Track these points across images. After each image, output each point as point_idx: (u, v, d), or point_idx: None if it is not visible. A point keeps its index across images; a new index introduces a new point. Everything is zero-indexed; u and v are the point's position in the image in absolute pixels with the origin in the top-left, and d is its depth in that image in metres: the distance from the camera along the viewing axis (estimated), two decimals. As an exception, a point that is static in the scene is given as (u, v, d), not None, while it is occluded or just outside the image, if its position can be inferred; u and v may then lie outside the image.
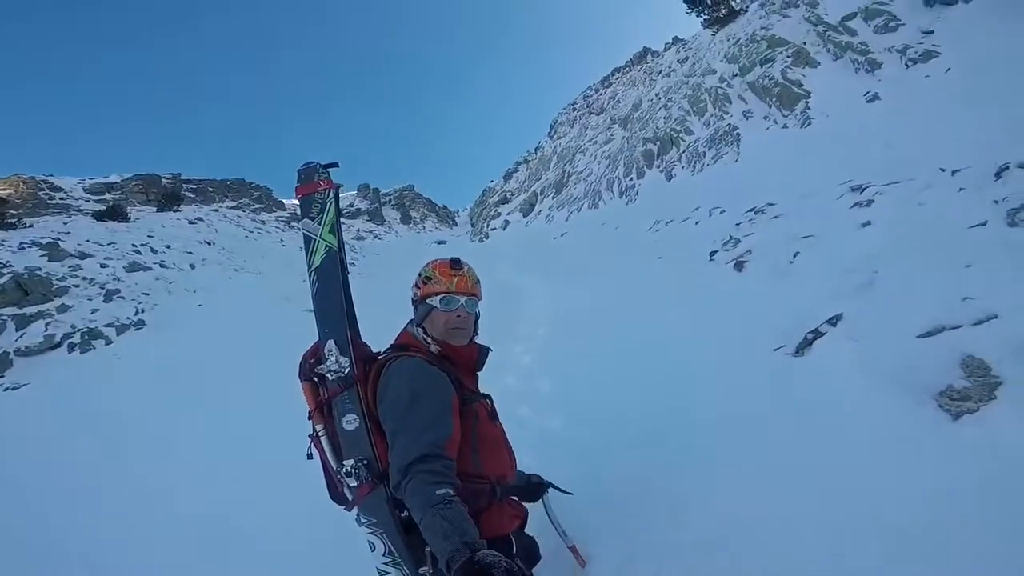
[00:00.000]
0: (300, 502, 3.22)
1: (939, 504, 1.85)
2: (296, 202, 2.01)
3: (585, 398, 3.98)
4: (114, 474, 4.29)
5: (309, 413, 1.71)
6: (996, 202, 3.42)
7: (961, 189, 3.94)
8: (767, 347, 3.45)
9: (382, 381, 1.62)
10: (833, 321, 3.27)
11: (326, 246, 1.86)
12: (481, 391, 1.88)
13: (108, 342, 7.70)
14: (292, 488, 3.43)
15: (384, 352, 1.81)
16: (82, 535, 3.59)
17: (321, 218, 1.88)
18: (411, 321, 1.88)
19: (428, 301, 1.79)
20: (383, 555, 1.57)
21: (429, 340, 1.78)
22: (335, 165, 1.98)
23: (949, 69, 7.99)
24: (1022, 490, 1.78)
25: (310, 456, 1.76)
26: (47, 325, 7.58)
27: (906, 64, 9.15)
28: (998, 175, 3.75)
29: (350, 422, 1.62)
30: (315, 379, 1.71)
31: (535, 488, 2.19)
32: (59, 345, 7.34)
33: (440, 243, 26.00)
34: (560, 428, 3.72)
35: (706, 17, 18.97)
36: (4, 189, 17.23)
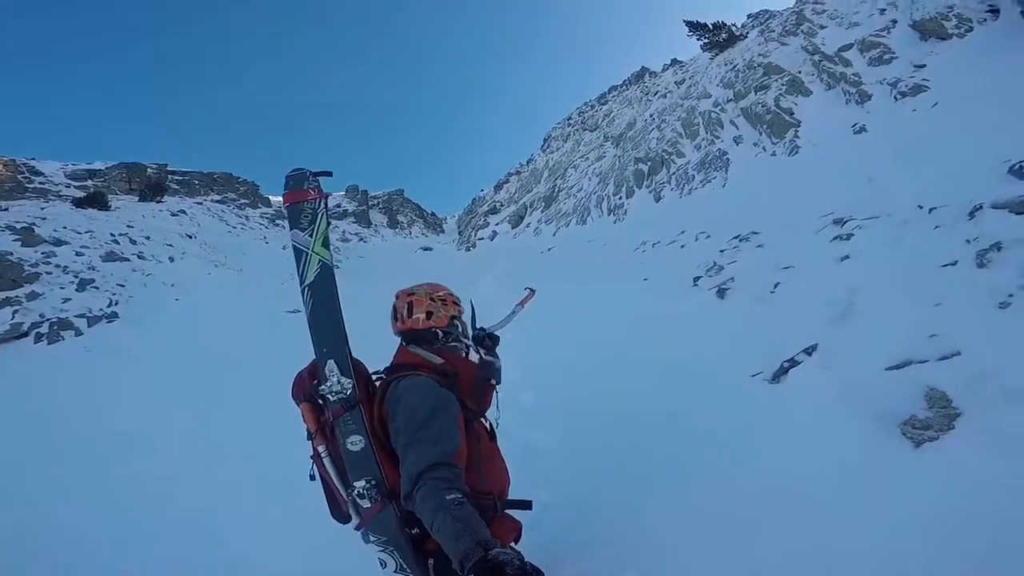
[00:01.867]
0: (273, 508, 3.20)
1: (899, 523, 1.99)
2: (283, 199, 1.96)
3: (567, 413, 4.04)
4: (73, 470, 4.17)
5: (309, 434, 1.70)
6: (968, 242, 3.55)
7: (936, 227, 4.07)
8: (745, 373, 3.55)
9: (392, 399, 1.62)
10: (809, 351, 3.39)
11: (319, 260, 1.80)
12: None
13: (78, 333, 7.44)
14: (265, 495, 3.40)
15: (383, 371, 1.83)
16: (34, 537, 3.46)
17: (313, 230, 1.81)
18: (415, 344, 1.86)
19: (464, 318, 2.01)
20: (394, 571, 1.59)
21: (471, 345, 1.93)
22: (328, 174, 1.91)
23: (936, 104, 8.21)
24: (975, 511, 1.93)
25: (312, 477, 1.75)
26: (14, 313, 7.27)
27: (895, 97, 9.40)
28: (972, 215, 3.87)
29: (355, 443, 1.61)
30: (316, 400, 1.69)
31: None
32: (26, 335, 7.05)
33: (426, 250, 25.83)
34: (542, 440, 3.76)
35: (706, 41, 19.34)
36: (-18, 171, 16.69)
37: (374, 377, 1.83)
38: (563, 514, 2.78)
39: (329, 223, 1.90)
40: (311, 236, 1.81)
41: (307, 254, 1.80)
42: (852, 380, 2.90)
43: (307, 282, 1.79)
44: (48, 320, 7.48)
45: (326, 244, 1.83)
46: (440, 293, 1.94)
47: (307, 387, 1.71)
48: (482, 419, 1.85)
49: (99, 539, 3.37)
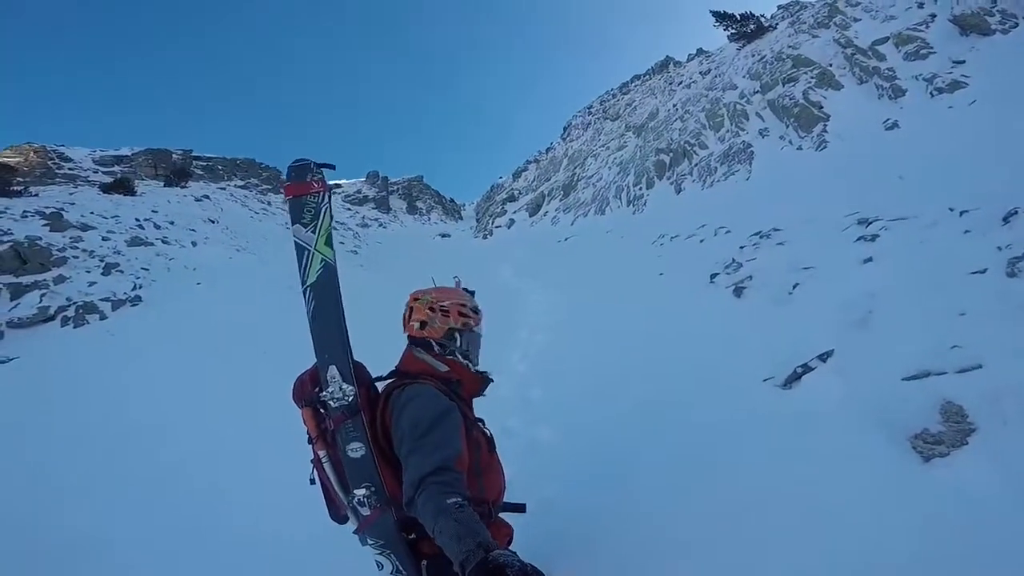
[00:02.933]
0: (291, 493, 3.25)
1: (899, 538, 1.96)
2: (284, 192, 1.88)
3: (574, 410, 4.02)
4: (98, 457, 4.26)
5: (310, 438, 1.69)
6: (999, 248, 3.40)
7: (967, 231, 3.90)
8: (757, 378, 3.47)
9: (396, 406, 1.61)
10: (824, 357, 3.29)
11: (322, 260, 1.73)
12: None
13: (103, 317, 7.61)
14: (283, 479, 3.45)
15: (387, 377, 1.82)
16: (67, 517, 3.57)
17: (316, 226, 1.73)
18: (421, 348, 1.83)
19: (476, 329, 1.94)
20: (391, 573, 1.61)
21: (467, 363, 1.85)
22: (331, 167, 1.84)
23: (974, 101, 7.87)
24: (977, 531, 1.88)
25: (312, 481, 1.76)
26: (42, 296, 7.43)
27: (931, 93, 9.05)
28: (1006, 220, 3.71)
29: (355, 450, 1.60)
30: (317, 405, 1.67)
31: None
32: (52, 318, 7.21)
33: (444, 236, 25.94)
34: (549, 440, 3.77)
35: (733, 32, 18.86)
36: (13, 157, 17.19)
37: (376, 382, 1.82)
38: (565, 513, 2.78)
39: (332, 217, 1.82)
40: (314, 233, 1.73)
41: (309, 252, 1.73)
42: (867, 389, 2.82)
43: (309, 282, 1.73)
44: (74, 303, 7.65)
45: (329, 242, 1.75)
46: (444, 303, 1.87)
47: (308, 392, 1.69)
48: (482, 427, 1.85)
49: (117, 523, 3.47)
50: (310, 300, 1.73)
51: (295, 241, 1.75)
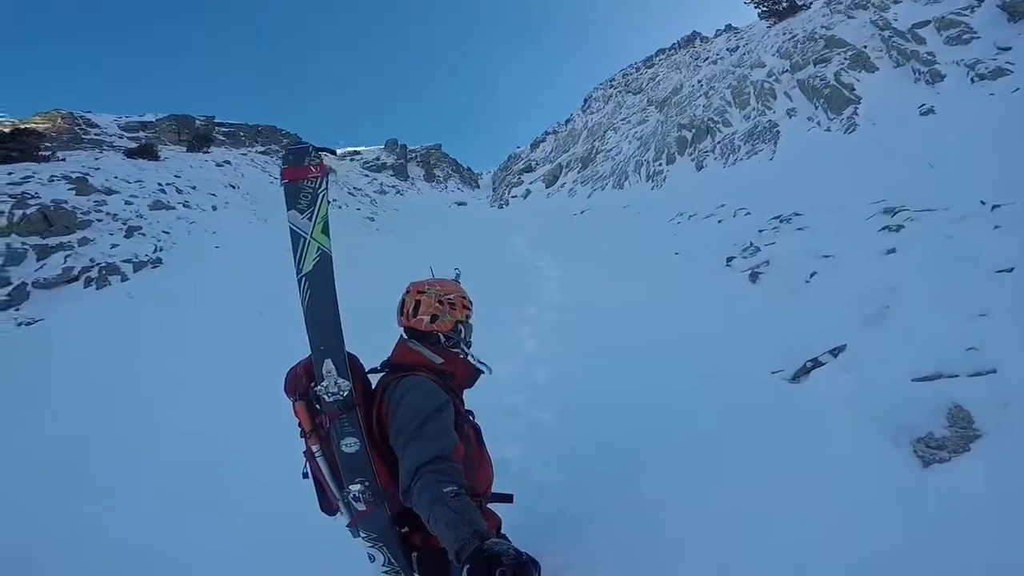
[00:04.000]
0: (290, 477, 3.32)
1: (889, 543, 1.96)
2: (281, 175, 1.74)
3: (578, 393, 4.00)
4: (116, 427, 4.37)
5: (302, 432, 1.68)
6: (1029, 247, 3.24)
7: (996, 227, 3.72)
8: (766, 369, 3.46)
9: (393, 398, 1.61)
10: (835, 352, 3.25)
11: (318, 248, 1.68)
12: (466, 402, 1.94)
13: (124, 279, 7.83)
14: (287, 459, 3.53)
15: (380, 367, 1.82)
16: (84, 479, 3.72)
17: (312, 213, 1.67)
18: (417, 340, 1.84)
19: (471, 320, 1.97)
20: (383, 565, 1.63)
21: (467, 355, 1.89)
22: (331, 151, 1.80)
23: (1017, 89, 7.43)
24: (966, 540, 1.88)
25: (306, 476, 1.76)
26: (66, 257, 7.68)
27: (972, 79, 8.55)
28: (1039, 217, 3.55)
29: (350, 445, 1.58)
30: (311, 399, 1.66)
31: None
32: (76, 279, 7.44)
33: (460, 204, 25.83)
34: (551, 420, 3.77)
35: (764, 9, 18.09)
36: (42, 123, 17.62)
37: (369, 373, 1.82)
38: (558, 498, 2.80)
39: (329, 203, 1.75)
40: (310, 220, 1.67)
41: (305, 240, 1.67)
42: (875, 389, 2.78)
43: (304, 271, 1.68)
44: (97, 265, 7.87)
45: (326, 230, 1.70)
46: (451, 296, 1.89)
47: (303, 385, 1.67)
48: (471, 419, 1.86)
49: (133, 496, 3.57)
50: (305, 290, 1.68)
51: (290, 228, 1.69)
